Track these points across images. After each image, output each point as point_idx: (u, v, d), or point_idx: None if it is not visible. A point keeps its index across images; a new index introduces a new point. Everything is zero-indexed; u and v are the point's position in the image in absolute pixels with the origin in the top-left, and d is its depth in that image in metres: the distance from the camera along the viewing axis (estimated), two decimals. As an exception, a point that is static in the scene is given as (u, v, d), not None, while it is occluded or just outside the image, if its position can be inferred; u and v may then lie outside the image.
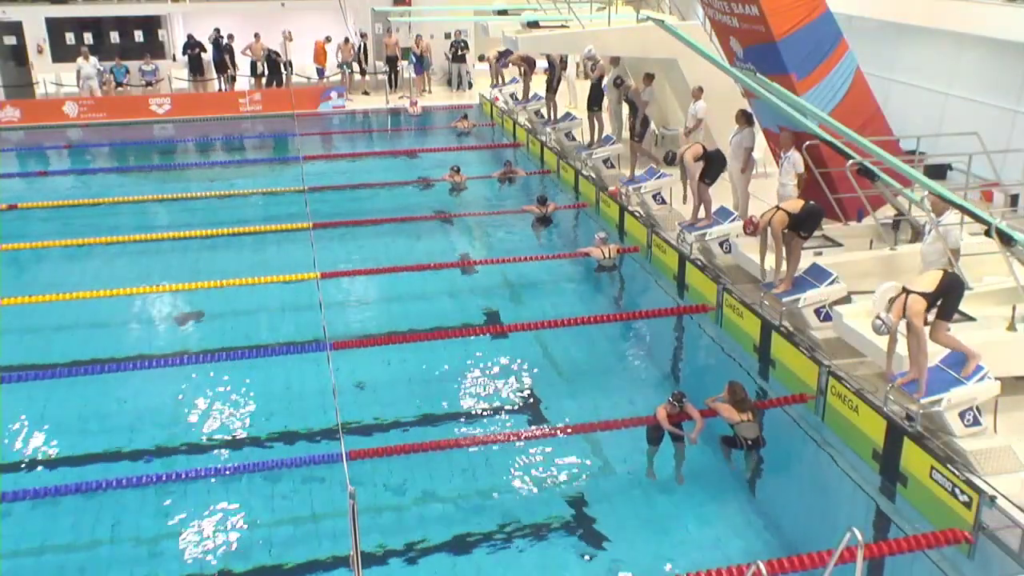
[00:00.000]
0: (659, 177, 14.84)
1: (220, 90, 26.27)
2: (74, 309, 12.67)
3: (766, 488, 9.14)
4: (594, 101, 17.63)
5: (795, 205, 10.36)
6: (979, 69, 15.73)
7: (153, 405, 10.59)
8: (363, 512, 8.02)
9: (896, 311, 8.14)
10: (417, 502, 8.89)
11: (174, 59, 27.26)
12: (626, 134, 17.01)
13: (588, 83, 18.32)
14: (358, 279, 14.09)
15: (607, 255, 13.85)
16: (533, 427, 10.15)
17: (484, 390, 11.02)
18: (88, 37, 26.22)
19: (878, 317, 8.24)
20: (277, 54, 26.40)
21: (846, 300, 10.18)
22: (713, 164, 12.66)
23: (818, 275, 10.42)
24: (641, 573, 7.89)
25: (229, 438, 10.00)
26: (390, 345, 11.72)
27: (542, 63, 22.75)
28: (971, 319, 9.21)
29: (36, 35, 25.76)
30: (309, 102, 25.27)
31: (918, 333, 8.04)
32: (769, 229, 10.36)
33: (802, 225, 10.26)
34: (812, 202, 10.48)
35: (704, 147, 12.82)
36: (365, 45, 27.44)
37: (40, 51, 25.88)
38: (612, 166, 17.27)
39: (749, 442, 8.92)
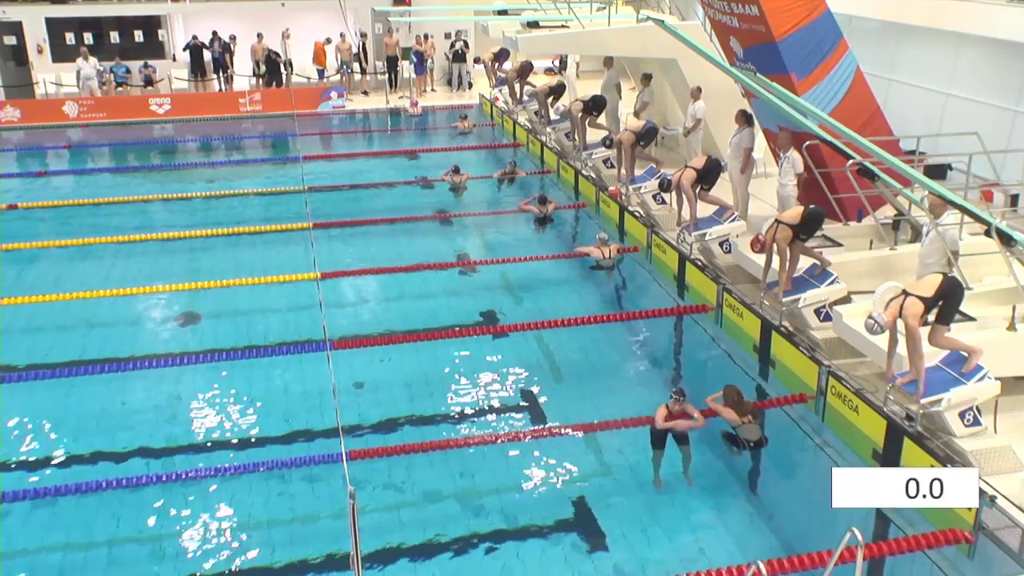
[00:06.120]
0: (659, 177, 14.84)
1: (220, 90, 26.28)
2: (74, 309, 12.67)
3: (766, 488, 9.14)
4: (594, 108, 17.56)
5: (795, 215, 10.24)
6: (979, 69, 15.73)
7: (153, 405, 10.58)
8: (363, 512, 8.03)
9: (891, 312, 8.14)
10: (417, 502, 8.88)
11: (174, 59, 27.25)
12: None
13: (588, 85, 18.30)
14: (358, 279, 14.05)
15: (607, 255, 13.84)
16: (533, 427, 10.14)
17: (484, 390, 11.01)
18: (88, 37, 26.20)
19: (870, 317, 8.25)
20: (277, 54, 26.40)
21: (846, 300, 10.18)
22: (710, 174, 12.51)
23: (818, 275, 10.42)
24: (641, 573, 7.89)
25: (229, 438, 9.99)
26: (390, 345, 11.72)
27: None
28: (971, 319, 9.21)
29: (36, 35, 25.74)
30: (309, 102, 25.27)
31: (914, 335, 8.04)
32: (775, 247, 10.32)
33: (804, 230, 10.25)
34: (812, 206, 10.43)
35: (696, 169, 12.45)
36: (365, 45, 27.43)
37: (40, 51, 25.86)
38: (612, 166, 17.27)
39: (752, 444, 8.92)
